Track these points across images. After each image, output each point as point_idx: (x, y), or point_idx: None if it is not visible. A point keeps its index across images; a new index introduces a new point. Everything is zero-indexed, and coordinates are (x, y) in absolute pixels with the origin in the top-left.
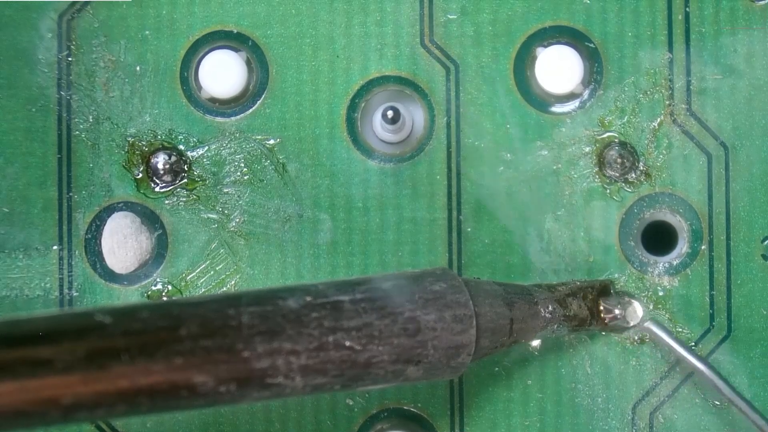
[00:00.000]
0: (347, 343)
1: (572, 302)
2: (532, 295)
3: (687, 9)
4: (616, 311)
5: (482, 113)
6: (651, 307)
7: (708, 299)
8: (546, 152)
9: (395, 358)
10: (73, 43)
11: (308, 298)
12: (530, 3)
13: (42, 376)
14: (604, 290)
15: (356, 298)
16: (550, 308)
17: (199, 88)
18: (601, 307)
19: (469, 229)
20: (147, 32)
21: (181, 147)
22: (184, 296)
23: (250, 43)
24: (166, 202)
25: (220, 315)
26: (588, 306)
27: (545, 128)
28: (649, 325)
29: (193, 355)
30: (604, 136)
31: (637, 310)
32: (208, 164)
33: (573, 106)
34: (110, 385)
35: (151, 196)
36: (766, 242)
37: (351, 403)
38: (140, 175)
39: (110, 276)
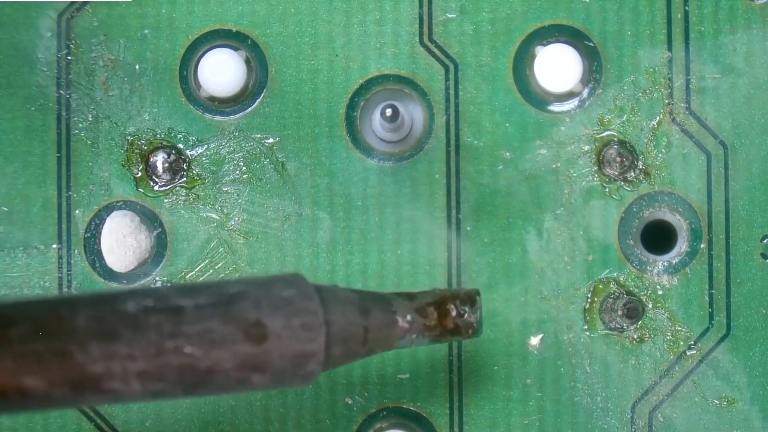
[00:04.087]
0: (187, 350)
1: (433, 312)
2: (390, 303)
3: (686, 8)
4: (471, 319)
5: (481, 112)
6: (650, 305)
7: (707, 298)
8: (545, 151)
9: (238, 365)
10: (73, 42)
11: (148, 302)
12: (529, 2)
13: None
14: (469, 300)
15: (200, 303)
16: (408, 318)
17: (199, 86)
18: (453, 313)
19: (468, 228)
20: (146, 31)
21: (181, 146)
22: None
23: (249, 42)
24: (166, 200)
25: (54, 316)
26: (452, 316)
27: (544, 127)
28: None
29: (23, 357)
30: (604, 134)
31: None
32: (207, 163)
33: (572, 104)
34: None
35: (151, 195)
36: (765, 241)
37: (350, 402)
38: (139, 173)
39: (109, 275)
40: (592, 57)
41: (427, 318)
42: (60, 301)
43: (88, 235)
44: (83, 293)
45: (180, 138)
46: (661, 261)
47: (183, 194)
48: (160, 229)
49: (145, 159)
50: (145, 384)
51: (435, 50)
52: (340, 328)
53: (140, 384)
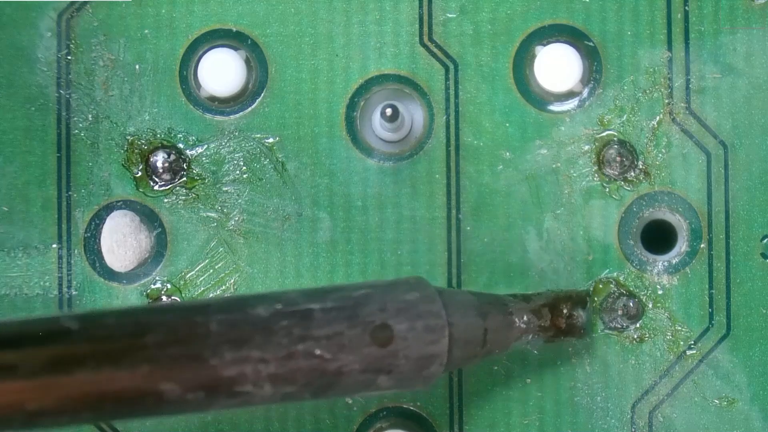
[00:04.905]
0: (317, 352)
1: (547, 313)
2: (507, 305)
3: (686, 8)
4: (581, 319)
5: (481, 112)
6: (650, 305)
7: (707, 298)
8: (545, 151)
9: (365, 367)
10: (73, 41)
11: (278, 306)
12: (529, 2)
13: (6, 381)
14: (580, 301)
15: (327, 306)
16: (525, 318)
17: (199, 86)
18: (565, 314)
19: (468, 228)
20: (146, 31)
21: (181, 145)
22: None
23: (249, 42)
24: (166, 200)
25: (188, 322)
26: (564, 316)
27: (544, 127)
28: None
29: (159, 363)
30: (604, 134)
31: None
32: (208, 163)
33: (572, 104)
34: (75, 392)
35: (151, 195)
36: (765, 241)
37: (350, 402)
38: (139, 173)
39: (109, 275)
40: (592, 57)
41: (542, 319)
42: (192, 308)
43: (88, 235)
44: (213, 299)
45: (180, 138)
46: (661, 261)
47: (183, 194)
48: (160, 229)
49: (145, 159)
50: (277, 387)
51: (435, 50)
52: (461, 330)
53: (272, 387)
